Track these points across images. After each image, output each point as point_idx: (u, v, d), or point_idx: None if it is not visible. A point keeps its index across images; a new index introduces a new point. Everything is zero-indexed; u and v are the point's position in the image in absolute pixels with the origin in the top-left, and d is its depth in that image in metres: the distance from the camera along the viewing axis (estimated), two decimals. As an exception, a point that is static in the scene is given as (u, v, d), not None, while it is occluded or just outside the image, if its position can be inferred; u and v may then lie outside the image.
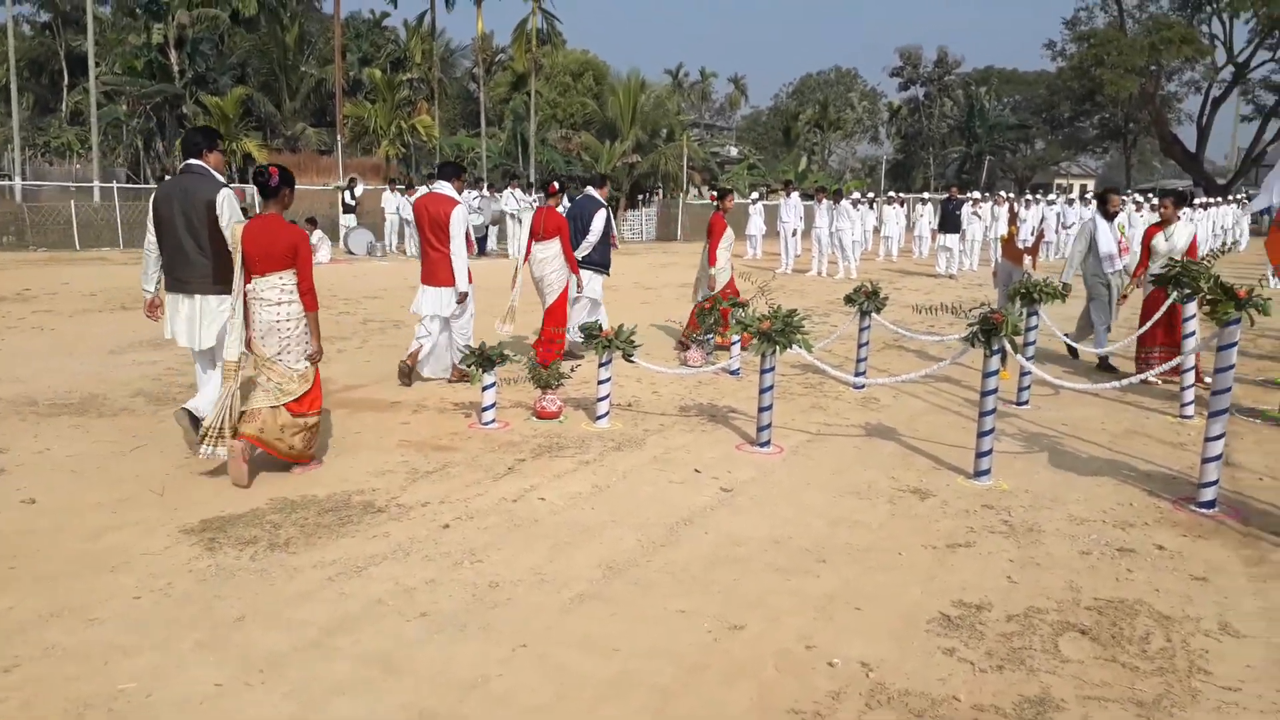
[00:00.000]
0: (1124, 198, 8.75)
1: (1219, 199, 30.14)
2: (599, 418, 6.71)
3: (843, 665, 3.42)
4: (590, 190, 9.41)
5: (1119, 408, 7.57)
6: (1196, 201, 28.07)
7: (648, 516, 4.90)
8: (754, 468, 5.83)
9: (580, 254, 8.84)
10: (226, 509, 4.85)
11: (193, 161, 5.63)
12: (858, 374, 8.20)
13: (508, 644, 3.53)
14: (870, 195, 27.89)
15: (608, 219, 9.15)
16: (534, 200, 23.59)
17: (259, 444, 5.25)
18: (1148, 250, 8.57)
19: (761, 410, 6.20)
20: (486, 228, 22.52)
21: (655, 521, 4.83)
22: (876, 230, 23.74)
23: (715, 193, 10.47)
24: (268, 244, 5.16)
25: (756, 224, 23.60)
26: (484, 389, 6.57)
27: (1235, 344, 5.20)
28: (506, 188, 23.55)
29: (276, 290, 5.21)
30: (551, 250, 8.49)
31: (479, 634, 3.60)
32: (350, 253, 21.77)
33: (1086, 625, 3.76)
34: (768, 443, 6.19)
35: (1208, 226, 24.36)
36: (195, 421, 5.50)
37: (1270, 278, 15.61)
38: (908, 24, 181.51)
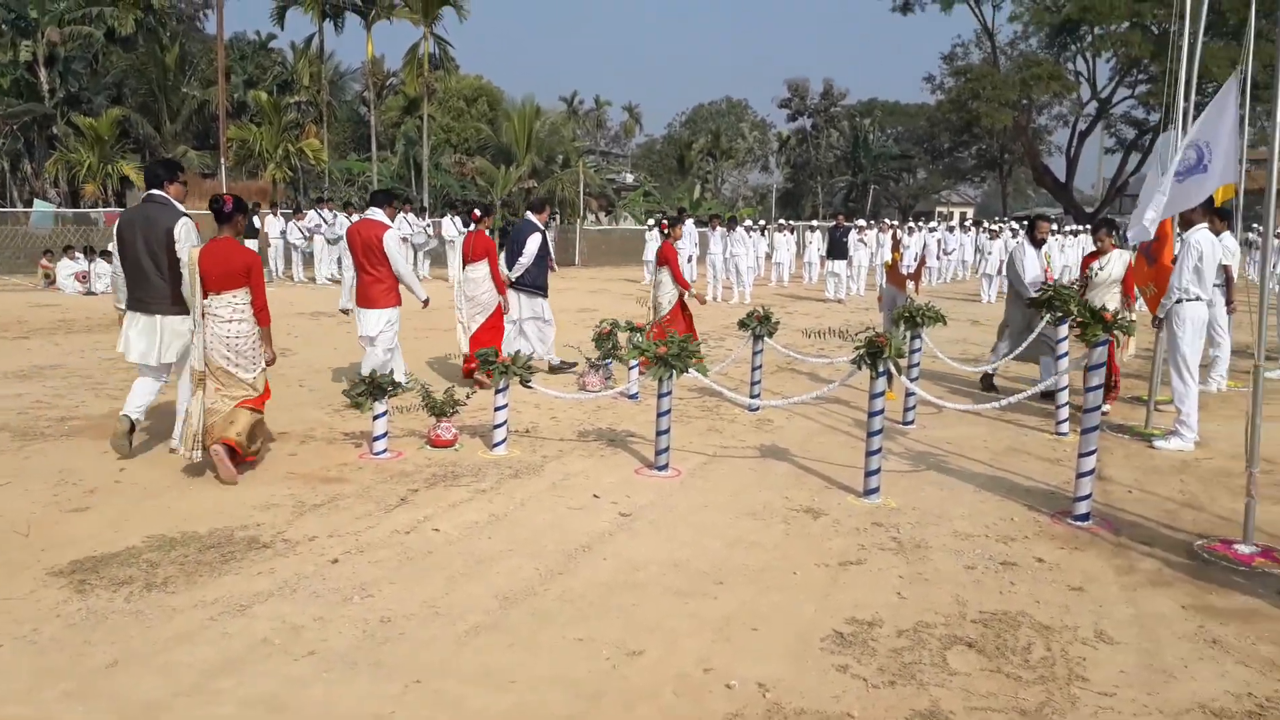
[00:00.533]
0: (1052, 225, 8.98)
1: (1088, 226, 31.88)
2: (496, 445, 6.63)
3: (740, 686, 3.45)
4: (529, 215, 9.66)
5: (1000, 426, 7.89)
6: (1068, 229, 29.69)
7: (545, 544, 4.85)
8: (653, 491, 5.84)
9: (514, 275, 9.24)
10: (99, 549, 4.59)
11: (154, 192, 6.13)
12: (752, 396, 8.33)
13: (400, 680, 3.43)
14: (761, 223, 28.50)
15: (543, 242, 9.41)
16: (427, 225, 23.33)
17: (235, 446, 5.73)
18: (1085, 279, 8.77)
19: (659, 434, 6.23)
20: (431, 253, 22.95)
21: (553, 549, 4.79)
22: (768, 256, 24.27)
23: (666, 221, 10.80)
24: (224, 265, 5.71)
25: (652, 250, 23.81)
26: (375, 418, 6.42)
27: (1103, 364, 5.49)
28: (399, 212, 23.18)
29: (229, 308, 5.77)
30: (480, 272, 8.93)
31: (370, 671, 3.49)
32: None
33: (973, 638, 3.88)
34: (666, 466, 6.22)
35: (1077, 253, 25.72)
36: (133, 426, 6.19)
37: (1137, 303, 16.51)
38: (795, 57, 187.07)
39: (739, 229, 19.87)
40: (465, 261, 9.07)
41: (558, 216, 35.68)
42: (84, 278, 18.26)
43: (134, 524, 4.95)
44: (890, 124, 60.95)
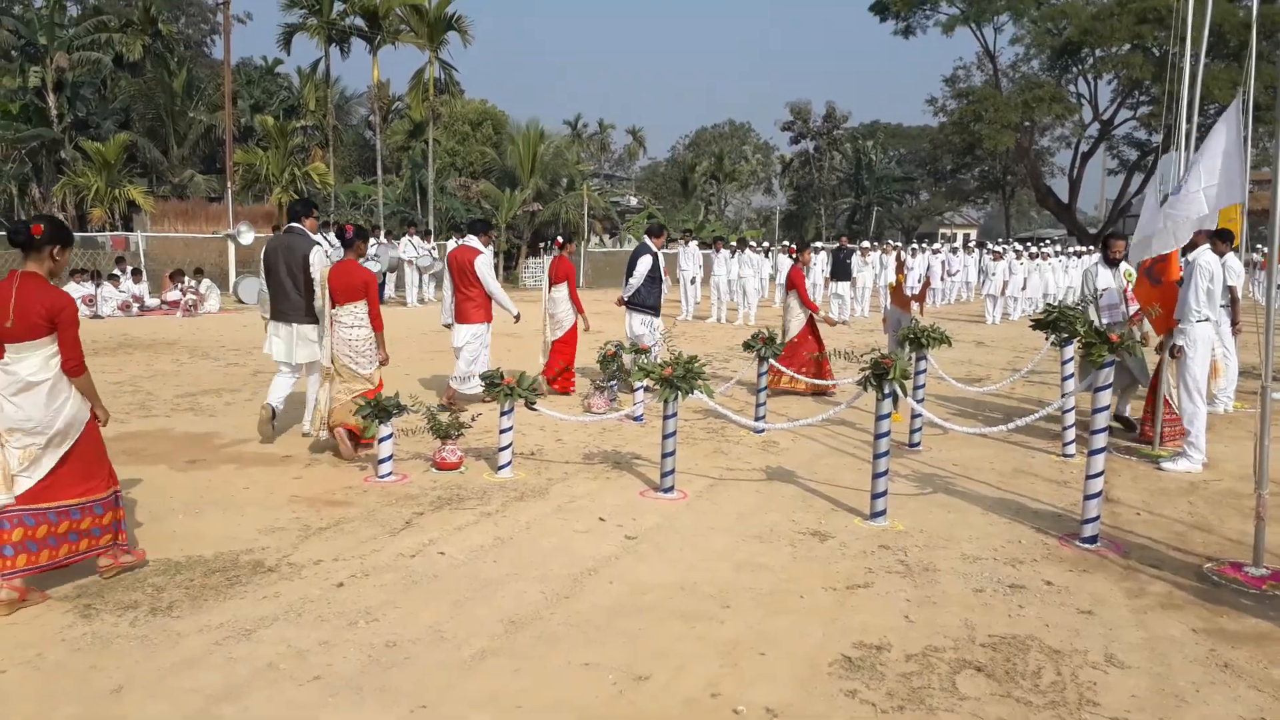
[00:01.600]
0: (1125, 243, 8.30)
1: (1091, 247, 31.88)
2: (501, 468, 6.62)
3: (748, 712, 3.42)
4: (646, 238, 10.28)
5: (1006, 448, 7.87)
6: (1070, 250, 29.67)
7: (551, 568, 4.84)
8: (658, 514, 5.83)
9: (626, 294, 9.94)
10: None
11: (294, 224, 7.40)
12: (758, 418, 8.32)
13: (406, 705, 3.41)
14: (765, 244, 28.57)
15: (654, 264, 9.88)
16: (432, 248, 23.36)
17: (355, 431, 6.82)
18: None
19: (665, 456, 6.22)
20: (384, 275, 22.16)
21: (559, 573, 4.77)
22: (772, 278, 24.32)
23: (794, 247, 11.49)
24: (346, 281, 6.92)
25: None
26: (380, 441, 6.42)
27: (1110, 385, 5.48)
28: (404, 235, 23.25)
29: (351, 316, 6.93)
30: (562, 293, 9.95)
31: (376, 696, 3.47)
32: (241, 301, 21.13)
33: (982, 662, 3.85)
34: (671, 488, 6.20)
35: (1080, 273, 25.69)
36: (274, 414, 7.41)
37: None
38: (798, 80, 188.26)
39: (746, 251, 19.97)
40: (551, 284, 10.07)
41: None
42: (90, 301, 18.35)
43: (139, 548, 4.94)
44: (893, 146, 61.17)
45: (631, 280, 9.90)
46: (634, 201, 52.97)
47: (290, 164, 32.68)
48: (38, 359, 4.21)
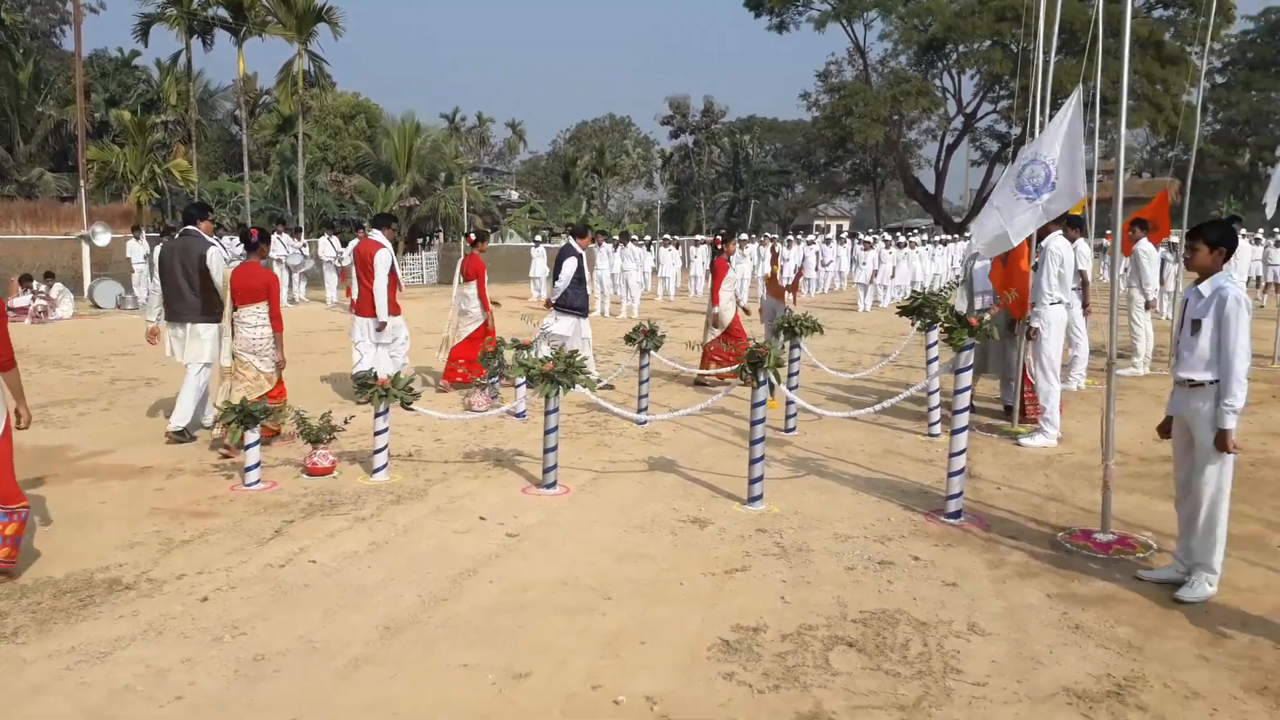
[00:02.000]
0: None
1: (957, 235, 33.29)
2: (376, 470, 6.46)
3: (628, 702, 3.44)
4: (570, 239, 10.22)
5: (876, 429, 8.13)
6: (937, 238, 30.92)
7: (429, 570, 4.75)
8: (541, 510, 5.79)
9: (554, 298, 9.90)
10: (-61, 601, 4.27)
11: (189, 227, 7.55)
12: (640, 410, 8.36)
13: (276, 720, 3.29)
14: (648, 238, 28.76)
15: (579, 266, 9.82)
16: (303, 245, 22.59)
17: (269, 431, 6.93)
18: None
19: (547, 451, 6.18)
20: (307, 275, 21.92)
21: (437, 575, 4.69)
22: (654, 271, 24.51)
23: (720, 237, 11.00)
24: (248, 283, 7.04)
25: (539, 267, 23.73)
26: (246, 448, 6.17)
27: (970, 367, 5.73)
28: (273, 232, 22.39)
29: (254, 316, 7.07)
30: (473, 290, 10.04)
31: (244, 713, 3.34)
32: (97, 306, 19.98)
33: (854, 638, 3.97)
34: (554, 484, 6.18)
35: (947, 260, 26.82)
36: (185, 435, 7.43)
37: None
38: (677, 74, 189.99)
39: (629, 245, 20.11)
40: (463, 280, 10.15)
41: (441, 234, 35.24)
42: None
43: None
44: (769, 140, 62.45)
45: (558, 284, 9.84)
46: (515, 196, 52.56)
47: (150, 161, 31.05)
48: None
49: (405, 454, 7.15)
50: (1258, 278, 21.94)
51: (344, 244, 21.56)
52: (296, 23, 32.07)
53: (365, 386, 6.47)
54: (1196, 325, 4.34)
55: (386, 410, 6.44)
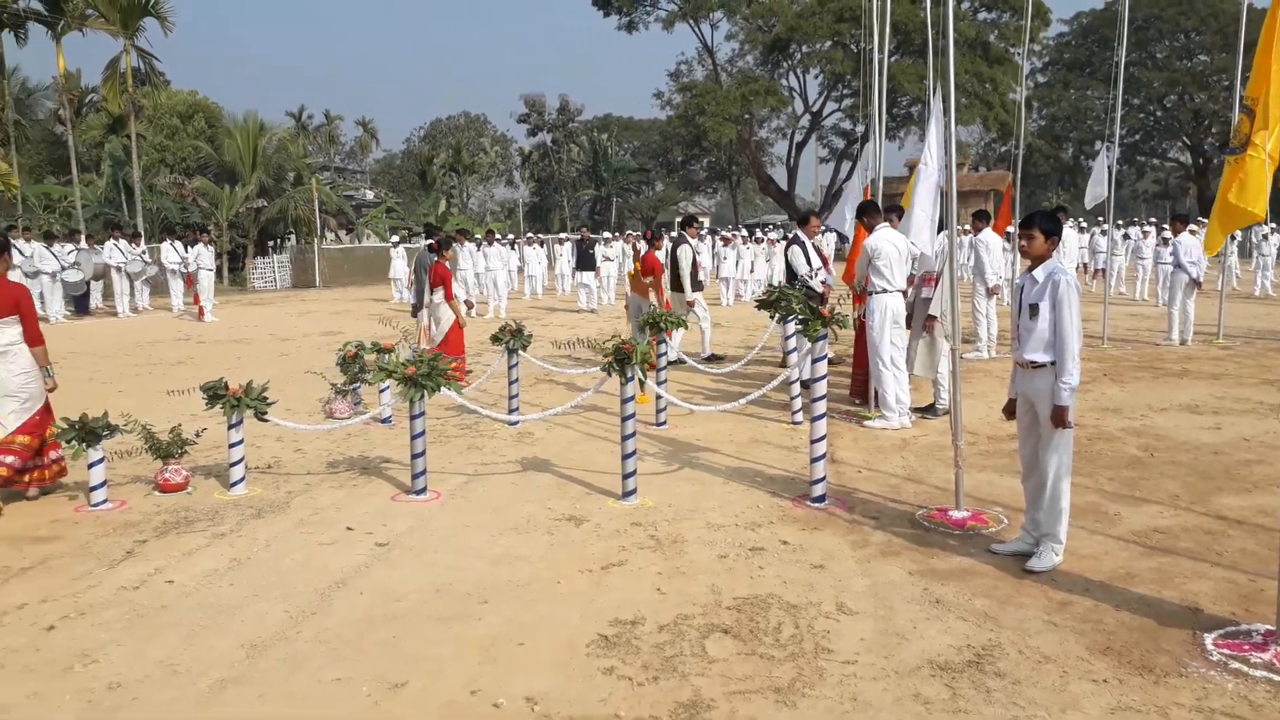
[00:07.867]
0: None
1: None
2: (234, 484, 6.18)
3: (508, 704, 3.41)
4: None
5: (743, 420, 8.33)
6: (791, 234, 31.81)
7: (295, 585, 4.58)
8: (411, 517, 5.67)
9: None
10: None
11: None
12: (511, 411, 8.29)
13: (134, 753, 3.11)
14: (511, 236, 28.52)
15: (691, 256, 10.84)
16: (143, 251, 21.31)
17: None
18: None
19: (415, 457, 6.06)
20: (88, 283, 20.04)
21: (304, 589, 4.52)
22: (520, 270, 24.34)
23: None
24: None
25: (399, 268, 23.17)
26: (90, 466, 5.79)
27: (826, 356, 5.94)
28: (109, 238, 21.02)
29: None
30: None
31: (97, 748, 3.14)
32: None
33: (728, 624, 4.06)
34: (424, 489, 6.06)
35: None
36: None
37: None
38: (530, 72, 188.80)
39: (494, 244, 19.93)
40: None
41: (293, 236, 33.93)
42: None
43: None
44: (627, 138, 62.98)
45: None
46: (370, 195, 51.09)
47: (-38, 164, 28.60)
48: None
49: (264, 466, 6.87)
50: (1084, 264, 23.54)
51: (188, 248, 20.42)
52: (120, 16, 30.07)
53: (216, 397, 6.17)
54: (1034, 309, 4.63)
55: (240, 421, 6.15)
